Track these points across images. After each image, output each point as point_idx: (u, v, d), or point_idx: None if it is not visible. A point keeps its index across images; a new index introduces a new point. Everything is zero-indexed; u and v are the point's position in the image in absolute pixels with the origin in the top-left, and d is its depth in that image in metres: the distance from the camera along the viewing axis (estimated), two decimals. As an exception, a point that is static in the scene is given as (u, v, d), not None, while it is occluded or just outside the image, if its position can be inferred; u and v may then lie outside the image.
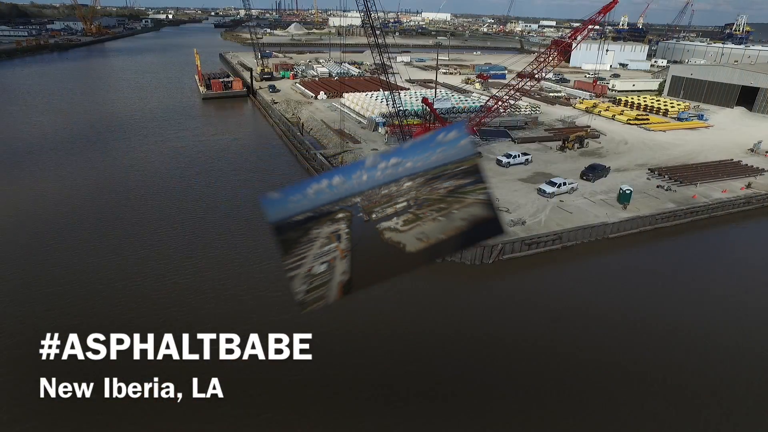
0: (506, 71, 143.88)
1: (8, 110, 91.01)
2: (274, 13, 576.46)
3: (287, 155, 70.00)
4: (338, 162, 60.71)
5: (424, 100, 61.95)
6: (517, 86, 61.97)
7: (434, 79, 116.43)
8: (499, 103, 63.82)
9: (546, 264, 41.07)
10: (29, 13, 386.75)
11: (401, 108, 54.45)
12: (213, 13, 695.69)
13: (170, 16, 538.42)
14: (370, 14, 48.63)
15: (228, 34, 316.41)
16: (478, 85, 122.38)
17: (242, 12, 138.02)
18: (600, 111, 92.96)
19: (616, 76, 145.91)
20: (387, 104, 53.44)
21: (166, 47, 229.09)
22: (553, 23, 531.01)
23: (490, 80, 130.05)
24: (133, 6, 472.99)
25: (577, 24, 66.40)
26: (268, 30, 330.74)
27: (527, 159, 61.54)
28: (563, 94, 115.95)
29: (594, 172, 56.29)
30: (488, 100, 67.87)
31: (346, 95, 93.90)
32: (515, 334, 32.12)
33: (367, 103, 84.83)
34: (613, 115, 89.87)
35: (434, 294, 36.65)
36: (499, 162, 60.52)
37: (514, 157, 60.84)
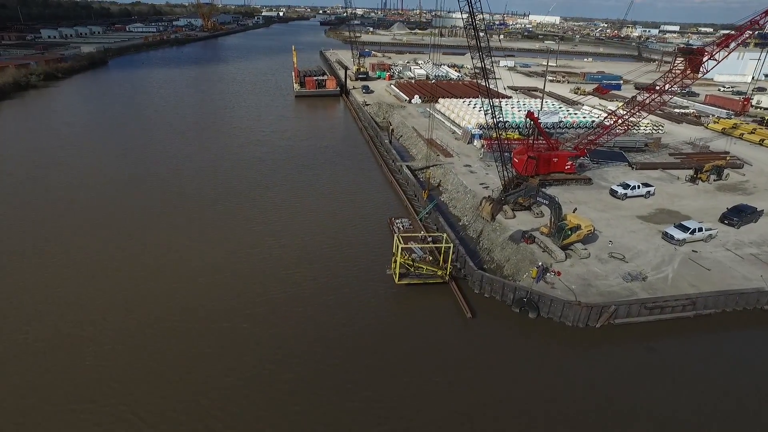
0: (621, 81, 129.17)
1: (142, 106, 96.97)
2: (379, 12, 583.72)
3: (373, 168, 64.02)
4: (425, 177, 54.90)
5: (529, 114, 53.63)
6: (644, 102, 51.93)
7: (540, 87, 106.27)
8: (618, 121, 54.15)
9: (672, 335, 32.16)
10: (162, 12, 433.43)
11: (501, 119, 47.15)
12: (321, 12, 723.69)
13: (281, 14, 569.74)
14: (474, 16, 42.49)
15: (332, 32, 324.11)
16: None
17: (349, 11, 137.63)
18: (742, 134, 77.66)
19: (761, 89, 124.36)
20: (485, 114, 46.39)
21: (270, 48, 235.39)
22: (677, 28, 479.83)
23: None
24: (249, 4, 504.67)
25: (708, 29, 54.46)
26: (371, 29, 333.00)
27: (648, 191, 51.25)
28: (692, 111, 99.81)
29: (740, 216, 44.85)
30: (605, 117, 58.20)
31: (441, 101, 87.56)
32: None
33: (464, 111, 77.90)
34: (762, 140, 74.45)
35: (525, 356, 29.76)
36: (613, 193, 51.00)
37: (633, 188, 50.80)
